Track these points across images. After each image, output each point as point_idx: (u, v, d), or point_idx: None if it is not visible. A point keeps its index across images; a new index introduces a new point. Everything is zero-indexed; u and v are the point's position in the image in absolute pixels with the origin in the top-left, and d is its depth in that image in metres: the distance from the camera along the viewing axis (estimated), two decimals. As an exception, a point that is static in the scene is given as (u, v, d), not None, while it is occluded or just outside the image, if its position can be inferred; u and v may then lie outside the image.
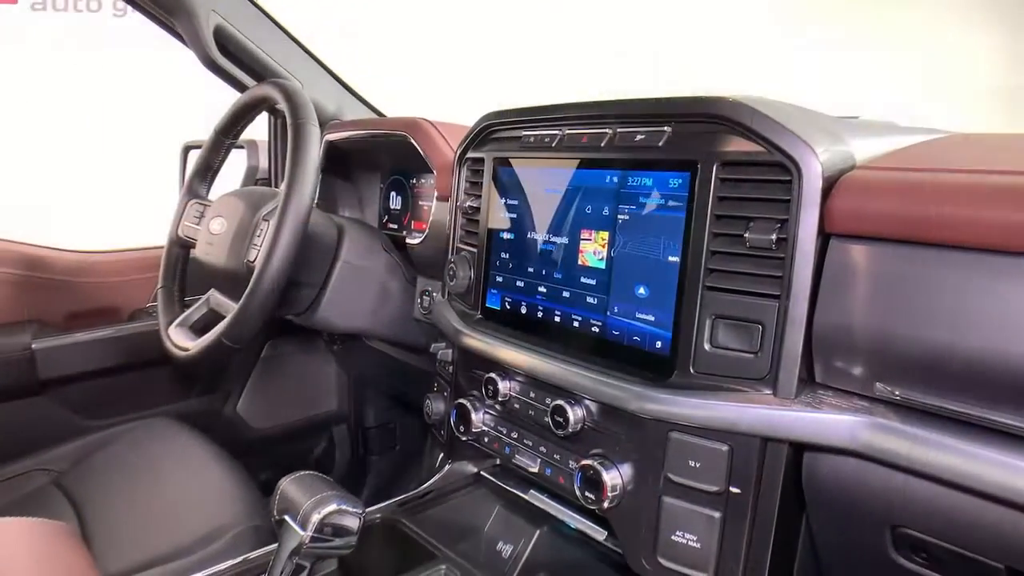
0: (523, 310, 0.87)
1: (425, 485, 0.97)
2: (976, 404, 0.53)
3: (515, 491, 0.93)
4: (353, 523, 0.69)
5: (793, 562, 0.67)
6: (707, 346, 0.66)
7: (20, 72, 3.43)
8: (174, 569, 0.79)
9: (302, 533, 0.66)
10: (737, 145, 0.64)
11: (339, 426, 1.73)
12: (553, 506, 0.91)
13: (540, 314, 0.84)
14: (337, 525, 0.68)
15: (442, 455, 1.01)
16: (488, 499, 0.96)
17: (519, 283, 0.87)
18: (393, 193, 1.35)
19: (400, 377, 1.38)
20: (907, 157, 0.63)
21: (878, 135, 0.68)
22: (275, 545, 0.68)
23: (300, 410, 1.62)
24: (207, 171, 1.18)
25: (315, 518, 0.66)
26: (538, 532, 0.89)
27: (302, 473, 0.72)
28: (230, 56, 1.26)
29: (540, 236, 0.84)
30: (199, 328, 1.05)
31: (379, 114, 1.50)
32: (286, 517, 0.68)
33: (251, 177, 1.60)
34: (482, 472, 0.99)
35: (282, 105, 0.99)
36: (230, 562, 0.76)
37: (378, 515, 0.88)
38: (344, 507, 0.68)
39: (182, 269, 1.16)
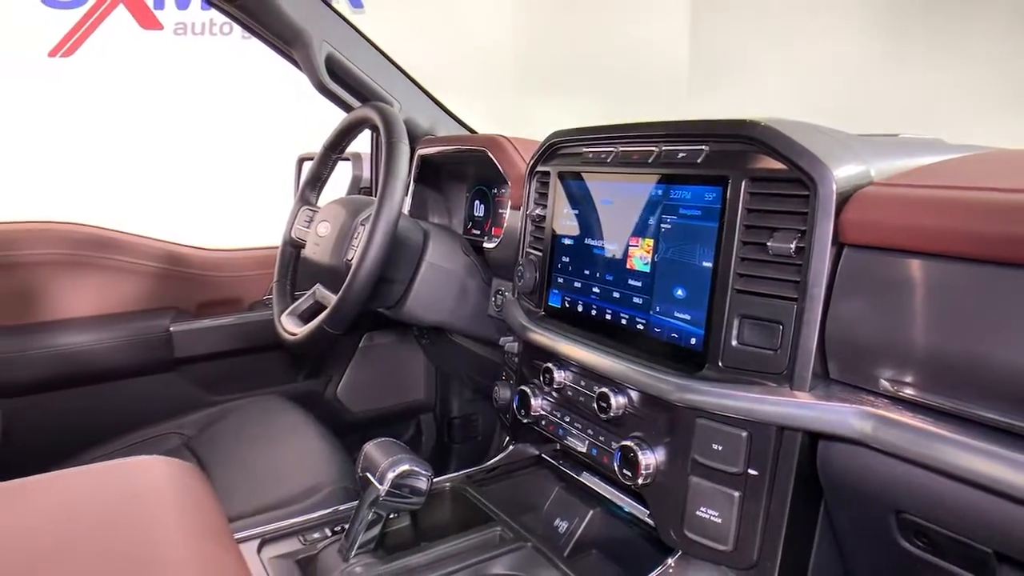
0: (579, 308, 0.96)
1: (491, 461, 1.08)
2: (969, 402, 0.58)
3: (571, 473, 1.03)
4: (422, 484, 0.82)
5: (812, 542, 0.73)
6: (734, 343, 0.73)
7: (163, 88, 3.85)
8: (278, 515, 0.94)
9: (379, 487, 0.79)
10: (764, 163, 0.71)
11: (426, 415, 1.88)
12: (606, 488, 1.00)
13: (594, 312, 0.94)
14: (408, 484, 0.81)
15: (508, 437, 1.12)
16: (548, 479, 1.06)
17: (577, 284, 0.97)
18: (477, 202, 1.48)
19: (479, 370, 1.51)
20: (922, 174, 0.68)
21: (902, 153, 0.73)
22: (359, 501, 0.82)
23: (391, 397, 1.78)
24: (316, 181, 1.35)
25: (390, 476, 0.79)
26: (591, 512, 0.98)
27: (383, 439, 0.85)
28: (338, 80, 1.43)
29: (595, 242, 0.94)
30: (306, 317, 1.22)
31: (470, 130, 1.64)
32: (367, 474, 0.82)
33: (355, 185, 1.78)
34: (543, 455, 1.09)
35: (379, 125, 1.13)
36: (324, 511, 0.91)
37: (448, 483, 1.00)
38: (415, 469, 0.81)
39: (294, 266, 1.34)
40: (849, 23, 2.74)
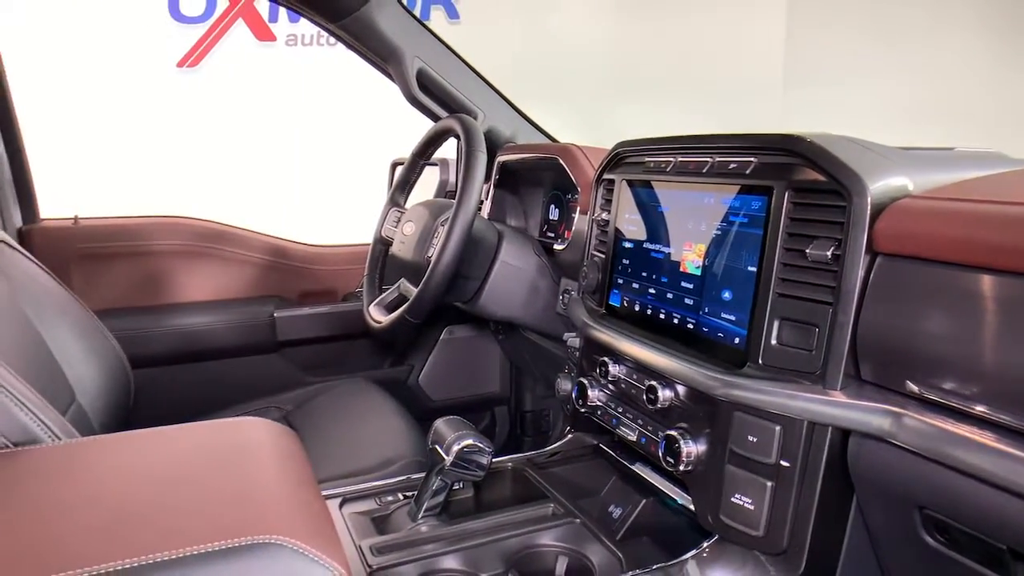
0: (636, 308, 1.03)
1: (551, 447, 1.16)
2: (989, 405, 0.61)
3: (625, 463, 1.10)
4: (484, 459, 0.91)
5: (843, 534, 0.77)
6: (774, 342, 0.78)
7: (275, 95, 4.16)
8: (358, 480, 1.07)
9: (446, 458, 0.89)
10: (805, 175, 0.76)
11: (500, 407, 1.98)
12: (658, 479, 1.06)
13: (649, 311, 1.00)
14: (471, 458, 0.90)
15: (568, 426, 1.20)
16: (604, 468, 1.13)
17: (635, 285, 1.04)
18: (552, 206, 1.56)
19: (549, 364, 1.59)
20: (960, 188, 0.71)
21: (947, 167, 0.76)
22: (431, 471, 0.92)
23: (468, 388, 1.89)
24: (405, 185, 1.48)
25: (455, 448, 0.89)
26: (644, 501, 1.05)
27: (452, 417, 0.96)
28: (427, 92, 1.55)
29: (653, 246, 1.00)
30: (391, 307, 1.34)
31: (549, 137, 1.73)
32: (436, 446, 0.92)
33: (442, 189, 1.90)
34: (600, 444, 1.16)
35: (460, 135, 1.24)
36: (398, 479, 1.02)
37: (509, 463, 1.09)
38: (478, 444, 0.90)
39: (382, 262, 1.48)
40: (950, 28, 2.64)
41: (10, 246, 1.20)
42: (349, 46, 1.55)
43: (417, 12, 4.27)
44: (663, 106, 3.97)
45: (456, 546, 0.87)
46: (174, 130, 4.03)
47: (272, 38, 4.26)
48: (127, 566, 0.56)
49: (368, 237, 1.56)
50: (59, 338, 1.19)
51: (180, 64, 4.19)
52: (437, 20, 4.18)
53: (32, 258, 1.23)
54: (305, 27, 4.20)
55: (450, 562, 0.85)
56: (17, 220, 1.50)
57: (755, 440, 0.77)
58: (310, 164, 4.12)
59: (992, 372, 0.61)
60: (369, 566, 0.82)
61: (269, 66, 4.19)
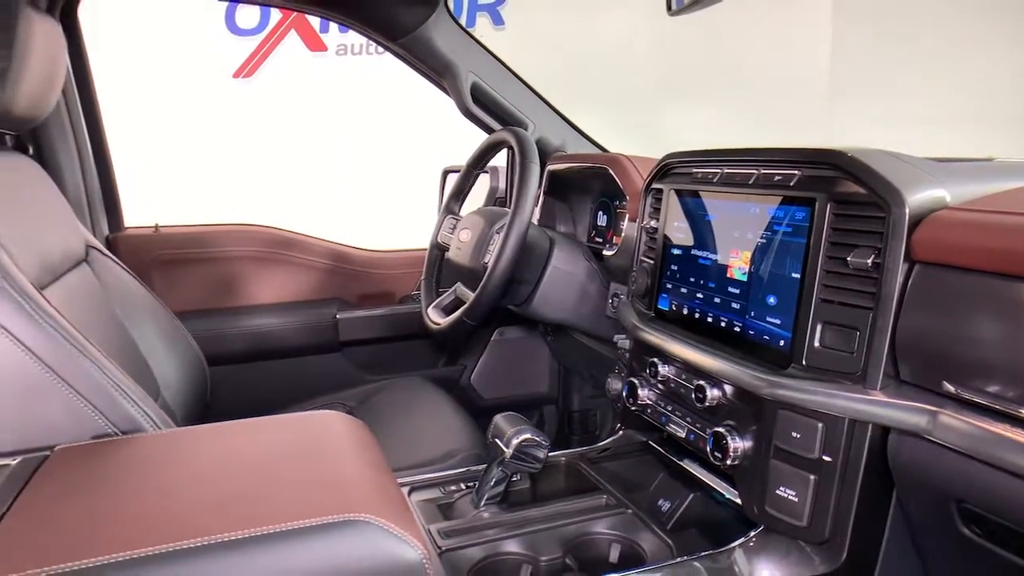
0: (685, 311, 1.09)
1: (603, 443, 1.22)
2: (1019, 404, 0.66)
3: (674, 458, 1.15)
4: (540, 452, 0.98)
5: (884, 526, 0.82)
6: (816, 345, 0.83)
7: (327, 103, 4.30)
8: (423, 470, 1.15)
9: (505, 450, 0.96)
10: (847, 187, 0.81)
11: (549, 406, 2.04)
12: (705, 474, 1.11)
13: (697, 315, 1.06)
14: (529, 451, 0.97)
15: (618, 424, 1.26)
16: (653, 464, 1.18)
17: (683, 290, 1.09)
18: (600, 213, 1.62)
19: (597, 365, 1.65)
20: (996, 200, 0.75)
21: (984, 179, 0.80)
22: (490, 464, 1.00)
23: (518, 387, 1.96)
24: (460, 194, 1.56)
25: (514, 442, 0.96)
26: (691, 496, 1.10)
27: (511, 413, 1.03)
28: (481, 104, 1.63)
29: (700, 253, 1.06)
30: (448, 310, 1.42)
31: (597, 146, 1.79)
32: (496, 440, 0.99)
33: (492, 195, 1.98)
34: (649, 441, 1.22)
35: (514, 147, 1.31)
36: (459, 470, 1.10)
37: (563, 458, 1.16)
38: (535, 438, 0.97)
39: (439, 267, 1.56)
40: (998, 34, 2.60)
41: (101, 252, 1.32)
42: (407, 62, 1.64)
43: (463, 19, 4.37)
44: (709, 110, 3.98)
45: (516, 531, 0.94)
46: (232, 138, 4.21)
47: (323, 48, 4.41)
48: (239, 537, 0.65)
49: (420, 243, 1.64)
50: (145, 337, 1.30)
51: (236, 75, 4.37)
52: (482, 27, 4.26)
53: (120, 263, 1.34)
54: (354, 37, 4.33)
55: (511, 546, 0.92)
56: (105, 228, 1.63)
57: (799, 436, 0.82)
58: (360, 170, 4.25)
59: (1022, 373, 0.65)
60: (438, 547, 0.90)
61: (320, 75, 4.34)
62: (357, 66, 4.35)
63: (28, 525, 0.67)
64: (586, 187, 1.66)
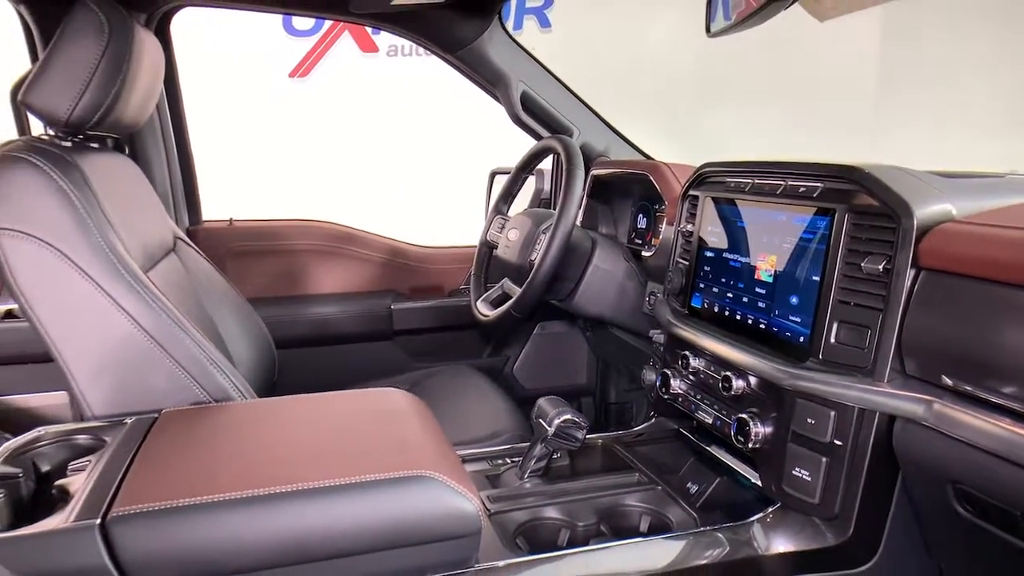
0: (716, 309, 1.18)
1: (637, 428, 1.33)
2: (1011, 398, 0.74)
3: (703, 445, 1.25)
4: (579, 433, 1.09)
5: (890, 505, 0.91)
6: (832, 341, 0.92)
7: (378, 102, 4.46)
8: (472, 446, 1.27)
9: (547, 428, 1.08)
10: (863, 200, 0.90)
11: (586, 398, 2.15)
12: (731, 459, 1.20)
13: (727, 313, 1.15)
14: (569, 431, 1.08)
15: (652, 412, 1.36)
16: (683, 450, 1.28)
17: (715, 289, 1.19)
18: (640, 215, 1.72)
19: (633, 359, 1.75)
20: (999, 214, 0.83)
21: (991, 194, 0.88)
22: (533, 443, 1.11)
23: (557, 379, 2.07)
24: (508, 195, 1.68)
25: (556, 421, 1.07)
26: (718, 479, 1.20)
27: (553, 396, 1.14)
28: (530, 112, 1.74)
29: (731, 256, 1.15)
30: (496, 303, 1.54)
31: (642, 153, 1.88)
32: (540, 419, 1.11)
33: (537, 197, 2.09)
34: (681, 429, 1.31)
35: (561, 155, 1.42)
36: (506, 447, 1.22)
37: (600, 440, 1.27)
38: (575, 419, 1.08)
39: (487, 263, 1.68)
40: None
41: (186, 243, 1.48)
42: (462, 72, 1.76)
43: (511, 22, 4.49)
44: (754, 113, 4.02)
45: (556, 500, 1.05)
46: (287, 136, 4.40)
47: (375, 49, 4.57)
48: (326, 485, 0.77)
49: (466, 239, 1.76)
50: (222, 320, 1.45)
51: (292, 75, 4.56)
52: (529, 30, 4.37)
53: (201, 253, 1.49)
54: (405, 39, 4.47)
55: (551, 512, 1.03)
56: (185, 221, 1.79)
57: (813, 422, 0.92)
58: (410, 169, 4.40)
59: (1012, 370, 0.73)
60: (488, 510, 1.02)
61: (371, 75, 4.50)
62: (407, 67, 4.50)
63: (152, 471, 0.81)
64: (627, 191, 1.76)
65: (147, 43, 1.18)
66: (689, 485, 1.21)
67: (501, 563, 0.89)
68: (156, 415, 0.97)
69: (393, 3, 1.40)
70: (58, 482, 0.84)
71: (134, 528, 0.71)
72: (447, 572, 0.84)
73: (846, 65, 3.75)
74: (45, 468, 0.90)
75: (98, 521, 0.71)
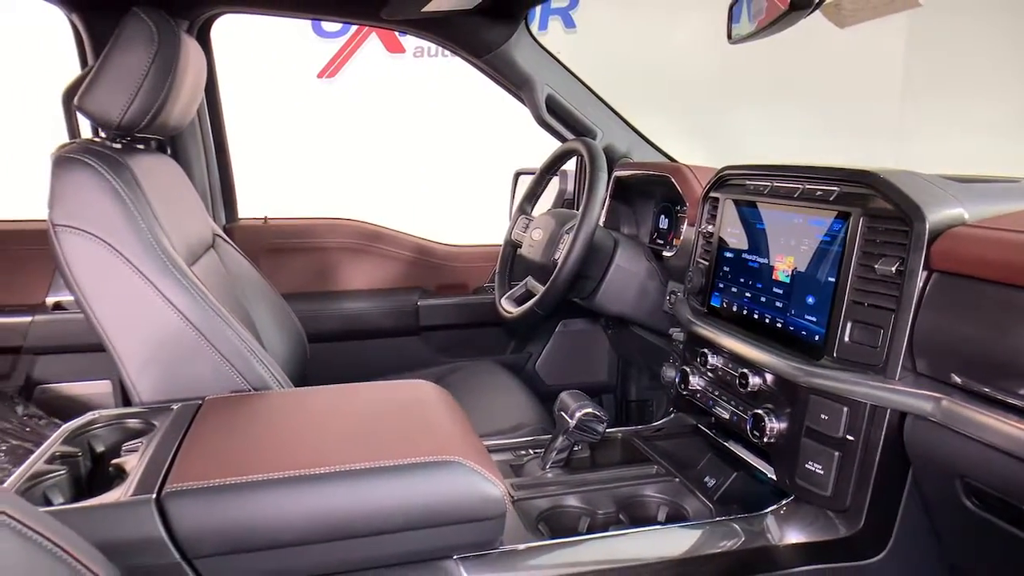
0: (734, 308, 1.22)
1: (656, 423, 1.37)
2: (1013, 395, 0.77)
3: (720, 440, 1.28)
4: (599, 426, 1.13)
5: (900, 499, 0.94)
6: (846, 340, 0.95)
7: (405, 102, 4.52)
8: (496, 437, 1.31)
9: (569, 421, 1.12)
10: (878, 203, 0.93)
11: (607, 395, 2.19)
12: (748, 455, 1.24)
13: (745, 312, 1.19)
14: (589, 423, 1.13)
15: (671, 408, 1.40)
16: (701, 445, 1.32)
17: (733, 289, 1.22)
18: (662, 216, 1.75)
19: (653, 357, 1.79)
20: (1009, 219, 0.86)
21: (1004, 199, 0.90)
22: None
23: (579, 375, 2.11)
24: (533, 196, 1.72)
25: (577, 414, 1.12)
26: (735, 474, 1.23)
27: (574, 391, 1.18)
28: (554, 114, 1.79)
29: (750, 257, 1.19)
30: (520, 301, 1.59)
31: (665, 155, 1.91)
32: (561, 412, 1.15)
33: (561, 197, 2.12)
34: (699, 425, 1.35)
35: (585, 157, 1.46)
36: (528, 438, 1.26)
37: (620, 433, 1.31)
38: (595, 412, 1.13)
39: (511, 262, 1.73)
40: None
41: (223, 239, 1.54)
42: (488, 75, 1.81)
43: (536, 23, 4.52)
44: (778, 114, 4.02)
45: (577, 489, 1.10)
46: (316, 135, 4.49)
47: (402, 50, 4.63)
48: (360, 468, 0.83)
49: (492, 238, 1.81)
50: (257, 313, 1.52)
51: (320, 75, 4.65)
52: (554, 30, 4.40)
53: (238, 249, 1.56)
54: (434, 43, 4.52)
55: (572, 500, 1.08)
56: (223, 219, 1.86)
57: (826, 418, 0.95)
58: (435, 168, 4.46)
59: (1020, 370, 0.76)
60: (512, 496, 1.06)
61: (398, 76, 4.57)
62: (433, 68, 4.57)
63: (200, 452, 0.87)
64: (650, 193, 1.80)
65: (191, 49, 1.25)
66: (707, 479, 1.24)
67: (523, 546, 0.93)
68: (200, 402, 1.04)
69: (423, 10, 1.45)
70: (113, 461, 0.90)
71: (186, 503, 0.77)
72: (473, 552, 0.89)
73: (872, 66, 3.73)
74: (100, 449, 0.97)
75: (154, 496, 0.77)
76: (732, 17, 1.18)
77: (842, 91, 3.89)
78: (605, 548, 0.97)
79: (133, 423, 0.99)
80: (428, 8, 1.45)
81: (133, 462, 0.86)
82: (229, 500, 0.78)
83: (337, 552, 0.82)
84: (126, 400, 1.19)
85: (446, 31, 1.67)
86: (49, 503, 0.81)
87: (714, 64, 4.22)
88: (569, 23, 4.41)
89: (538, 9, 4.35)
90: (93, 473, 0.93)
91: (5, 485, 0.84)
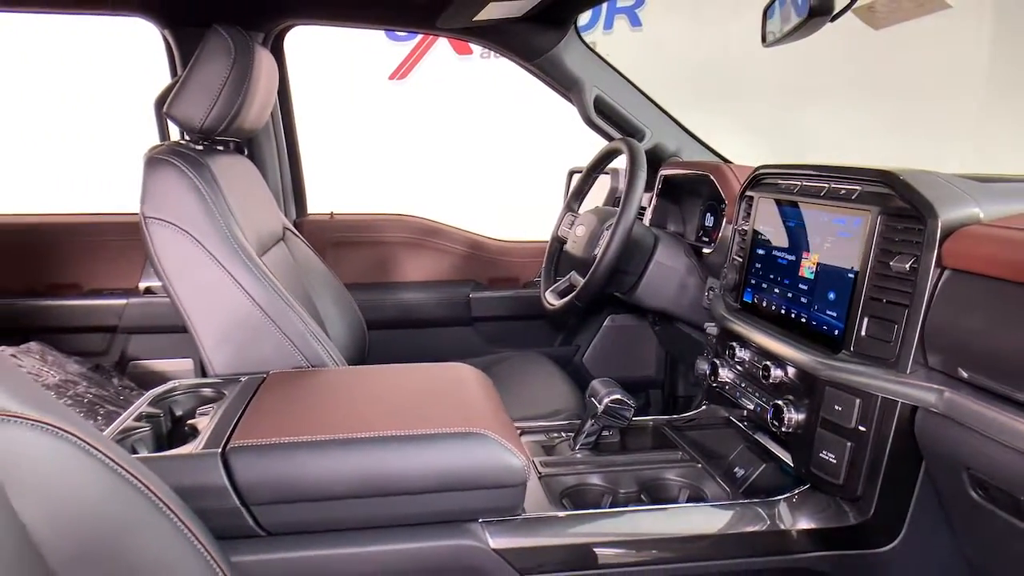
0: (764, 304, 1.26)
1: (688, 414, 1.42)
2: (1016, 389, 0.79)
3: (750, 432, 1.32)
4: (627, 412, 1.20)
5: (913, 488, 0.96)
6: (863, 334, 0.99)
7: (472, 102, 4.65)
8: (532, 421, 1.39)
9: (598, 406, 1.19)
10: (895, 202, 0.96)
11: (655, 390, 2.23)
12: (775, 446, 1.27)
13: (773, 307, 1.22)
14: (617, 409, 1.19)
15: (703, 399, 1.44)
16: (733, 437, 1.35)
17: (764, 285, 1.26)
18: (708, 214, 1.79)
19: (698, 353, 1.82)
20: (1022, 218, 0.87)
21: (1022, 199, 0.92)
22: (586, 418, 1.23)
23: (626, 370, 2.16)
24: (580, 194, 1.79)
25: (605, 400, 1.19)
26: (764, 465, 1.27)
27: (606, 378, 1.25)
28: (603, 115, 1.85)
29: (779, 253, 1.22)
30: (563, 294, 1.66)
31: (715, 153, 1.94)
32: (592, 398, 1.22)
33: (612, 195, 2.17)
34: (731, 417, 1.39)
35: (625, 155, 1.52)
36: (564, 422, 1.34)
37: (651, 421, 1.37)
38: (623, 399, 1.19)
39: (557, 257, 1.80)
40: None
41: (293, 233, 1.68)
42: (539, 78, 1.89)
43: (601, 21, 4.56)
44: (851, 111, 3.92)
45: (602, 469, 1.17)
46: (385, 135, 4.68)
47: (469, 52, 4.77)
48: (399, 435, 0.93)
49: (544, 235, 1.89)
50: (321, 301, 1.65)
51: (391, 77, 4.83)
52: (620, 28, 4.42)
53: (306, 242, 1.70)
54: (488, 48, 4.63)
55: (596, 479, 1.15)
56: (293, 214, 2.02)
57: (840, 409, 0.98)
58: (498, 165, 4.57)
59: (1021, 365, 0.78)
60: (539, 472, 1.15)
61: (466, 76, 4.70)
62: (500, 68, 4.67)
63: (261, 417, 0.99)
64: (696, 191, 1.83)
65: (264, 61, 1.38)
66: (736, 469, 1.28)
67: (545, 514, 1.01)
68: (265, 375, 1.16)
69: (475, 19, 1.54)
70: (188, 422, 1.03)
71: (246, 457, 0.89)
72: (497, 517, 0.98)
73: (950, 64, 3.59)
74: (178, 412, 1.11)
75: (219, 450, 0.89)
76: (766, 19, 1.22)
77: (920, 88, 3.76)
78: (622, 522, 1.04)
79: (207, 391, 1.13)
80: (479, 17, 1.54)
81: (204, 423, 0.99)
82: (283, 457, 0.89)
83: (375, 507, 0.92)
84: (204, 376, 1.34)
85: (498, 37, 1.76)
86: (135, 453, 0.94)
87: (786, 61, 4.14)
88: (635, 21, 4.43)
89: (603, 8, 4.39)
90: (172, 431, 1.07)
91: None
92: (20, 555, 0.56)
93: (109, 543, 0.62)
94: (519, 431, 1.30)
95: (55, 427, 0.59)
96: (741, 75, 4.20)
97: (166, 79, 1.78)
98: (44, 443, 0.59)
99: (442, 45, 4.79)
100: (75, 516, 0.60)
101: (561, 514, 1.03)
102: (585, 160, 1.98)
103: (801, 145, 3.97)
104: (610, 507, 1.10)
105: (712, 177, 1.56)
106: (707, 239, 1.75)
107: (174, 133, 1.77)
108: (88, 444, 0.61)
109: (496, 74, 4.65)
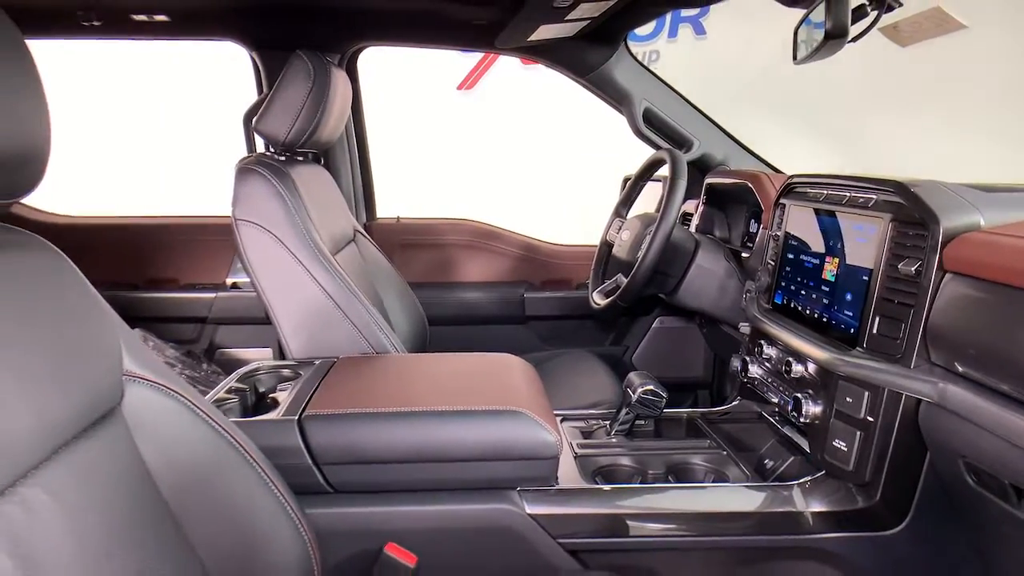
0: (792, 305, 1.34)
1: (722, 407, 1.50)
2: (1013, 386, 0.85)
3: (778, 425, 1.40)
4: (660, 402, 1.30)
5: (919, 475, 1.03)
6: (874, 332, 1.06)
7: (537, 112, 4.79)
8: (573, 409, 1.51)
9: (632, 396, 1.30)
10: (905, 210, 1.03)
11: (703, 390, 2.30)
12: (799, 437, 1.35)
13: (799, 308, 1.30)
14: (650, 400, 1.30)
15: (737, 394, 1.53)
16: (764, 432, 1.44)
17: (792, 287, 1.34)
18: (752, 220, 1.86)
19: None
20: (1022, 225, 0.94)
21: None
22: (624, 407, 1.34)
23: (674, 370, 2.24)
24: (628, 201, 1.90)
25: (639, 390, 1.29)
26: (792, 458, 1.35)
27: (642, 371, 1.36)
28: (652, 126, 1.95)
29: (806, 257, 1.30)
30: (609, 295, 1.77)
31: (766, 163, 2.01)
32: (627, 388, 1.33)
33: (660, 202, 2.28)
34: (763, 413, 1.47)
35: (668, 165, 1.62)
36: (604, 411, 1.45)
37: (685, 414, 1.46)
38: (655, 389, 1.30)
39: (606, 260, 1.91)
40: None
41: (363, 235, 1.86)
42: (591, 91, 2.01)
43: (665, 30, 4.61)
44: (923, 119, 3.84)
45: (633, 452, 1.28)
46: (453, 144, 4.87)
47: (535, 62, 4.91)
48: (448, 409, 1.07)
49: (596, 239, 2.00)
50: (388, 297, 1.81)
51: (459, 87, 5.02)
52: (684, 37, 4.47)
53: (374, 243, 1.87)
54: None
55: (627, 460, 1.26)
56: (363, 218, 2.20)
57: (851, 401, 1.06)
58: (561, 172, 4.69)
59: (1015, 364, 0.85)
60: (575, 452, 1.27)
61: (531, 86, 4.84)
62: (564, 77, 4.79)
63: (332, 393, 1.15)
64: (742, 199, 1.91)
65: (340, 80, 1.56)
66: (767, 461, 1.37)
67: (577, 486, 1.13)
68: (335, 359, 1.33)
69: (530, 39, 1.68)
70: (270, 396, 1.21)
71: (319, 424, 1.05)
72: (533, 487, 1.10)
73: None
74: (261, 389, 1.29)
75: (296, 418, 1.05)
76: (796, 41, 1.30)
77: (1002, 90, 3.65)
78: (649, 498, 1.14)
79: (286, 371, 1.30)
80: (533, 37, 1.68)
81: (284, 396, 1.16)
82: (349, 425, 1.05)
83: (426, 471, 1.06)
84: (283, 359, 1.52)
85: (552, 55, 1.89)
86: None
87: (854, 68, 4.10)
88: (699, 30, 4.47)
89: (667, 17, 4.45)
90: (256, 404, 1.25)
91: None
92: (143, 482, 0.72)
93: (206, 483, 0.79)
94: (560, 418, 1.43)
95: (171, 389, 0.76)
96: (810, 82, 4.17)
97: (249, 98, 2.00)
98: (163, 401, 0.76)
99: (508, 56, 4.93)
100: (181, 458, 0.77)
101: (592, 486, 1.15)
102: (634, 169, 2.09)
103: (865, 152, 3.92)
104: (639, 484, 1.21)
105: (751, 185, 1.64)
106: (751, 244, 1.83)
107: (258, 143, 1.99)
108: (194, 404, 0.78)
109: (561, 82, 4.75)
